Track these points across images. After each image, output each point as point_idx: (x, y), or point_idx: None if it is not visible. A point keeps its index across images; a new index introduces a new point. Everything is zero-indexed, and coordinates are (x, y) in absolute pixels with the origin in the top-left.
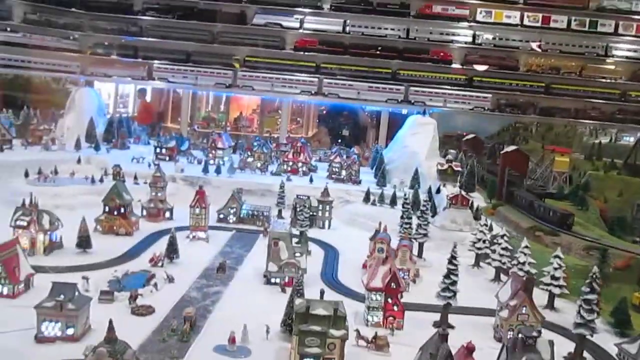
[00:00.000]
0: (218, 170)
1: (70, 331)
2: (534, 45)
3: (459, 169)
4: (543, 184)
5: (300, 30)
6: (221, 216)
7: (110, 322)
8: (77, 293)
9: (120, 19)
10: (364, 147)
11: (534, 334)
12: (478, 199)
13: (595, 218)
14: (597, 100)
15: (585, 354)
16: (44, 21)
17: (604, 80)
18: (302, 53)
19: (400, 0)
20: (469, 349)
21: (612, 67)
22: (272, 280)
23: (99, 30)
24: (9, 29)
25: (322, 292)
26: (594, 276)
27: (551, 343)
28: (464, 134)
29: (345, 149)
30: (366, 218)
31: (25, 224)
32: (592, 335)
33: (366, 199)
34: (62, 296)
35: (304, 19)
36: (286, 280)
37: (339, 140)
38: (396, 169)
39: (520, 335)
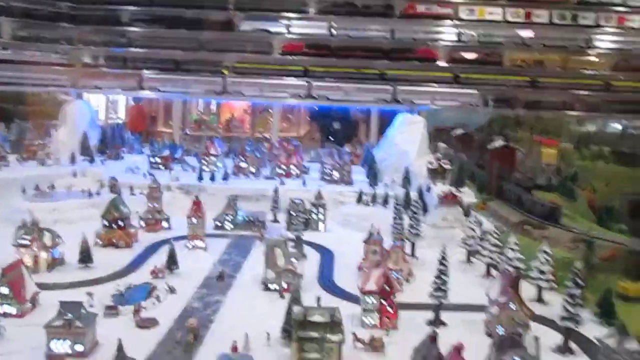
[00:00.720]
0: (212, 178)
1: (79, 348)
2: (524, 33)
3: (448, 166)
4: (532, 176)
5: (287, 35)
6: (218, 223)
7: (120, 341)
8: (83, 311)
9: (108, 31)
10: (355, 144)
11: (520, 331)
12: (469, 195)
13: (583, 209)
14: (581, 92)
15: (573, 344)
16: (33, 37)
17: (587, 72)
18: (289, 57)
19: (385, 2)
20: (458, 349)
21: (595, 58)
22: (271, 286)
23: (87, 42)
24: None
25: (318, 299)
26: (576, 271)
27: (536, 339)
28: (455, 127)
29: (337, 147)
30: (360, 219)
31: (27, 242)
32: (577, 327)
33: (359, 199)
34: (69, 314)
35: (290, 24)
36: (284, 286)
37: (331, 138)
38: (387, 168)
39: (506, 333)
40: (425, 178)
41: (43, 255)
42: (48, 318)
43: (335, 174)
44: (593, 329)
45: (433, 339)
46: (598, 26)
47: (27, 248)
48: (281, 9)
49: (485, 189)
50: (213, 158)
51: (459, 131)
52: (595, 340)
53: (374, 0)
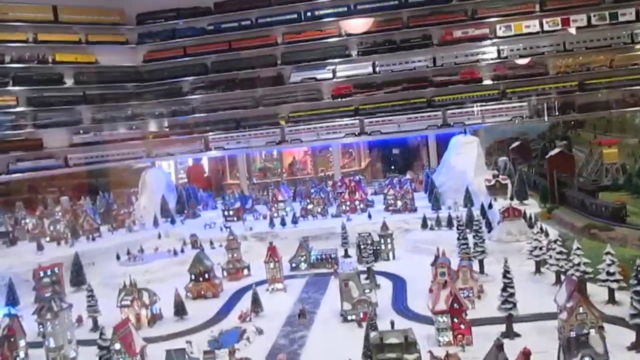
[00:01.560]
0: (283, 222)
1: None
2: (564, 40)
3: (507, 181)
4: (596, 178)
5: (334, 80)
6: (293, 265)
7: None
8: (186, 356)
9: (172, 103)
10: (417, 170)
11: (585, 331)
12: (533, 205)
13: None
14: (632, 88)
15: None
16: (109, 118)
17: (635, 66)
18: (339, 100)
19: (422, 33)
20: (525, 354)
21: None
22: (349, 317)
23: (155, 116)
24: (81, 131)
25: (392, 323)
26: (638, 268)
27: (602, 337)
28: (515, 138)
29: (399, 176)
30: (427, 243)
31: (129, 302)
32: None
33: (424, 225)
34: None
35: (335, 69)
36: (361, 316)
37: (392, 167)
38: (448, 191)
39: (573, 334)
40: (485, 195)
41: (144, 312)
42: None
43: (398, 203)
44: None
45: (499, 347)
46: (639, 20)
47: (129, 308)
48: (326, 57)
49: (548, 197)
50: (281, 204)
51: (516, 143)
52: None
53: (412, 34)
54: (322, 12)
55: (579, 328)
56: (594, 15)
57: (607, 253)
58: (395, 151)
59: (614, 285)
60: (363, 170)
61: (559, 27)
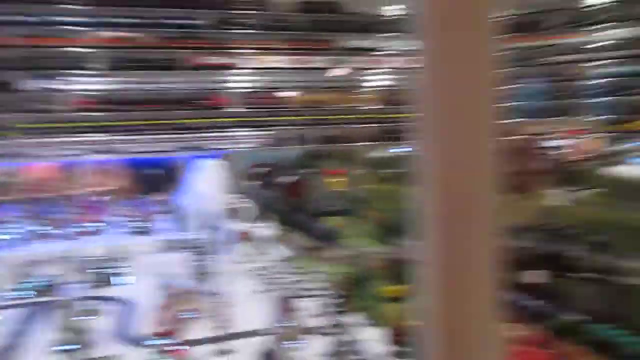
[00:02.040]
0: (5, 246)
1: None
2: (303, 77)
3: (248, 204)
4: (322, 204)
5: (77, 92)
6: (11, 294)
7: None
8: None
9: None
10: (167, 192)
11: (283, 344)
12: (271, 228)
13: (368, 228)
14: (359, 125)
15: (343, 347)
16: None
17: (362, 107)
18: (85, 114)
19: (174, 56)
20: None
21: (368, 96)
22: (61, 347)
23: None
24: None
25: (105, 352)
26: (335, 284)
27: (296, 348)
28: (270, 164)
29: (147, 198)
30: (164, 266)
31: None
32: (343, 332)
33: (165, 247)
34: None
35: (82, 81)
36: (76, 345)
37: (146, 188)
38: (191, 214)
39: (269, 349)
40: (227, 218)
41: None
42: None
43: (140, 225)
44: (362, 332)
45: None
46: (363, 69)
47: None
48: (68, 67)
49: (284, 221)
50: (6, 224)
51: (262, 169)
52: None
53: (163, 55)
54: (65, 19)
55: (279, 342)
56: (329, 59)
57: (319, 272)
58: (151, 171)
59: (323, 300)
60: (118, 190)
61: (301, 65)
